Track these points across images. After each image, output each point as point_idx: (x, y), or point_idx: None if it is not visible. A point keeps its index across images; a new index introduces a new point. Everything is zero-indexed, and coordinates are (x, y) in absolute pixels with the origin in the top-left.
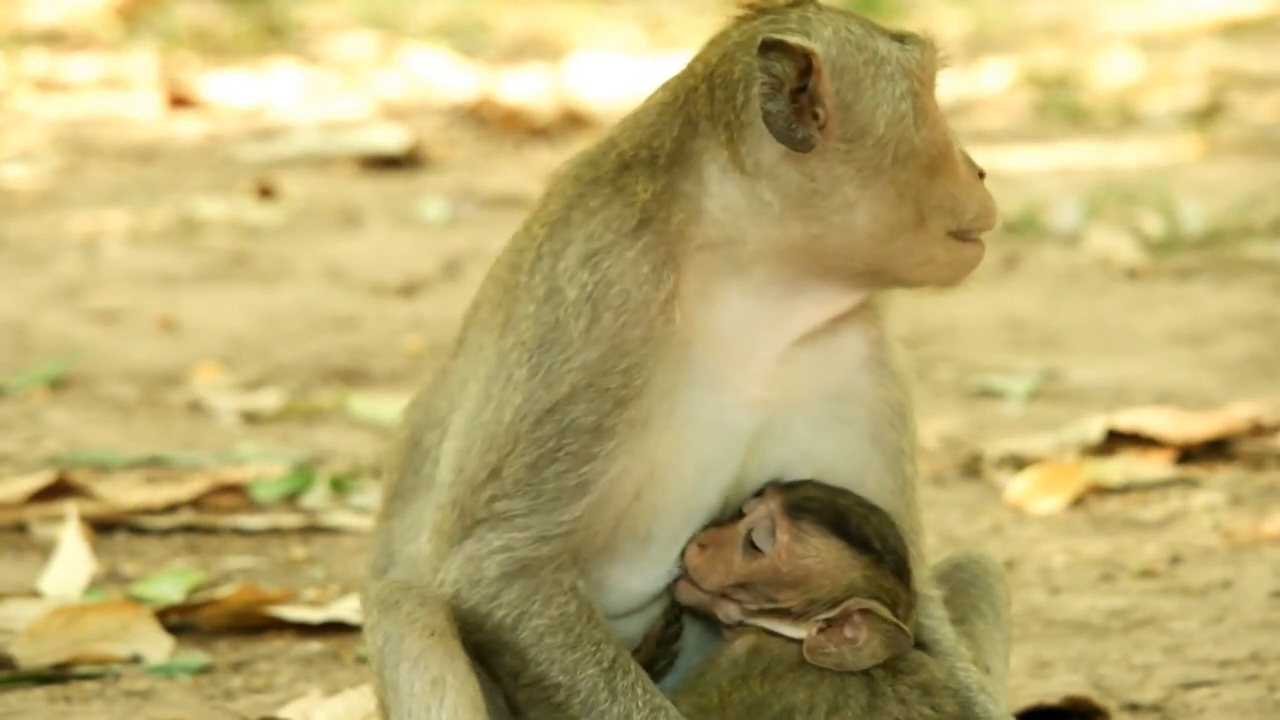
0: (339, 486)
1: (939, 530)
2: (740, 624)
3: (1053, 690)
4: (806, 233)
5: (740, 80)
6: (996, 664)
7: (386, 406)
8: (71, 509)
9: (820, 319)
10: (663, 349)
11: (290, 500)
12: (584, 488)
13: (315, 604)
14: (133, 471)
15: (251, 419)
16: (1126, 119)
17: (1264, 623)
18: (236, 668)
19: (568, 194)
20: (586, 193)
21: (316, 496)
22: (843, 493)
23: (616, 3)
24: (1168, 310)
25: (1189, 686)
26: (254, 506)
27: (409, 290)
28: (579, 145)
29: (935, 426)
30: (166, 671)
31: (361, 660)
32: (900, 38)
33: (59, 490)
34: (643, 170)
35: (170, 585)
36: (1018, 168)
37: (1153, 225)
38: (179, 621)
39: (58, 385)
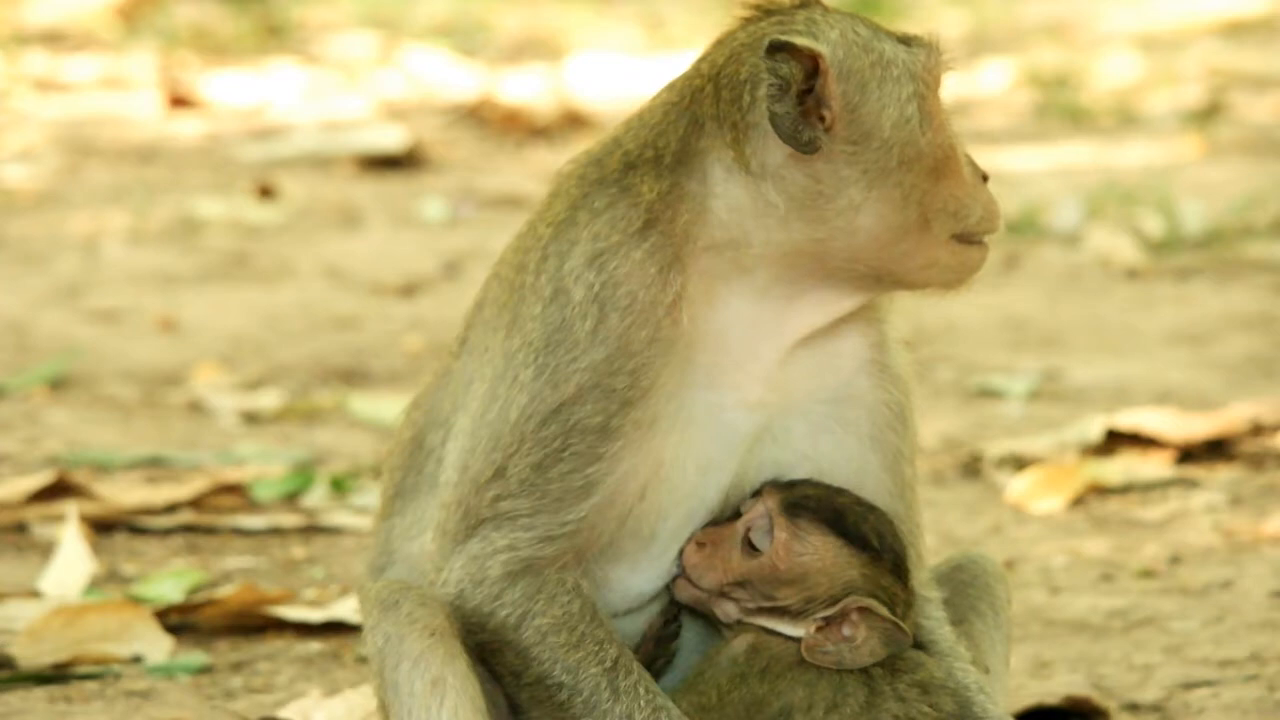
0: (339, 486)
1: (939, 530)
2: (739, 622)
3: (1053, 690)
4: (811, 235)
5: (747, 81)
6: (996, 664)
7: (386, 406)
8: (71, 509)
9: (823, 321)
10: (669, 350)
11: (290, 500)
12: (589, 488)
13: (315, 604)
14: (133, 471)
15: (251, 419)
16: (1126, 119)
17: (1264, 623)
18: (236, 668)
19: (573, 194)
20: (592, 192)
21: (316, 496)
22: (840, 491)
23: (616, 3)
24: (1168, 310)
25: (1189, 686)
26: (254, 506)
27: (409, 290)
28: (579, 145)
29: (935, 426)
30: (166, 671)
31: (361, 660)
32: (906, 40)
33: (59, 490)
34: (648, 170)
35: (170, 585)
36: (1018, 168)
37: (1153, 225)
38: (179, 621)
39: (58, 385)
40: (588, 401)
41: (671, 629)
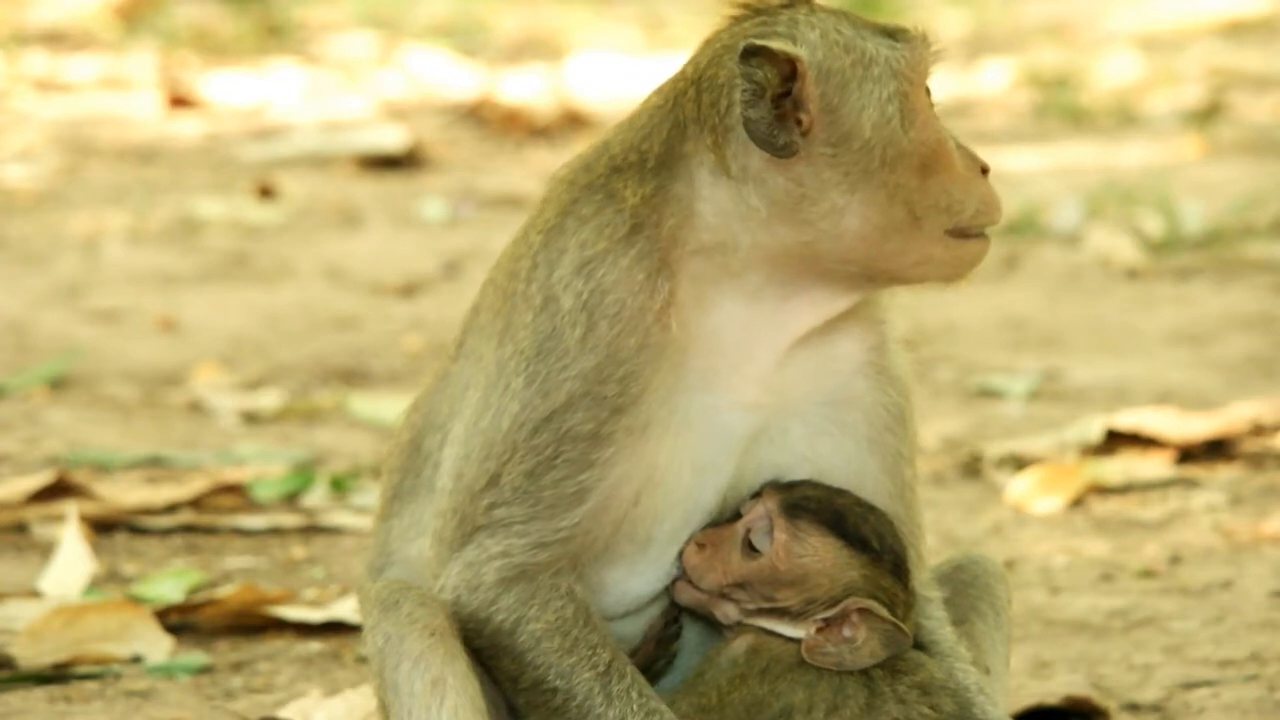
0: (339, 486)
1: (939, 530)
2: (739, 624)
3: (1053, 690)
4: (798, 238)
5: (724, 85)
6: (996, 664)
7: (386, 406)
8: (71, 509)
9: (818, 320)
10: (659, 356)
11: (290, 500)
12: (582, 495)
13: (315, 604)
14: (133, 471)
15: (251, 419)
16: (1126, 119)
17: (1264, 623)
18: (236, 668)
19: (562, 200)
20: (580, 198)
21: (316, 496)
22: (840, 492)
23: (616, 3)
24: (1168, 310)
25: (1189, 686)
26: (254, 506)
27: (409, 290)
28: (579, 145)
29: (935, 427)
30: (166, 671)
31: (361, 660)
32: (893, 34)
33: (59, 490)
34: (632, 174)
35: (170, 585)
36: (1018, 168)
37: (1153, 225)
38: (179, 621)
39: (58, 385)
40: (579, 409)
41: (672, 630)
